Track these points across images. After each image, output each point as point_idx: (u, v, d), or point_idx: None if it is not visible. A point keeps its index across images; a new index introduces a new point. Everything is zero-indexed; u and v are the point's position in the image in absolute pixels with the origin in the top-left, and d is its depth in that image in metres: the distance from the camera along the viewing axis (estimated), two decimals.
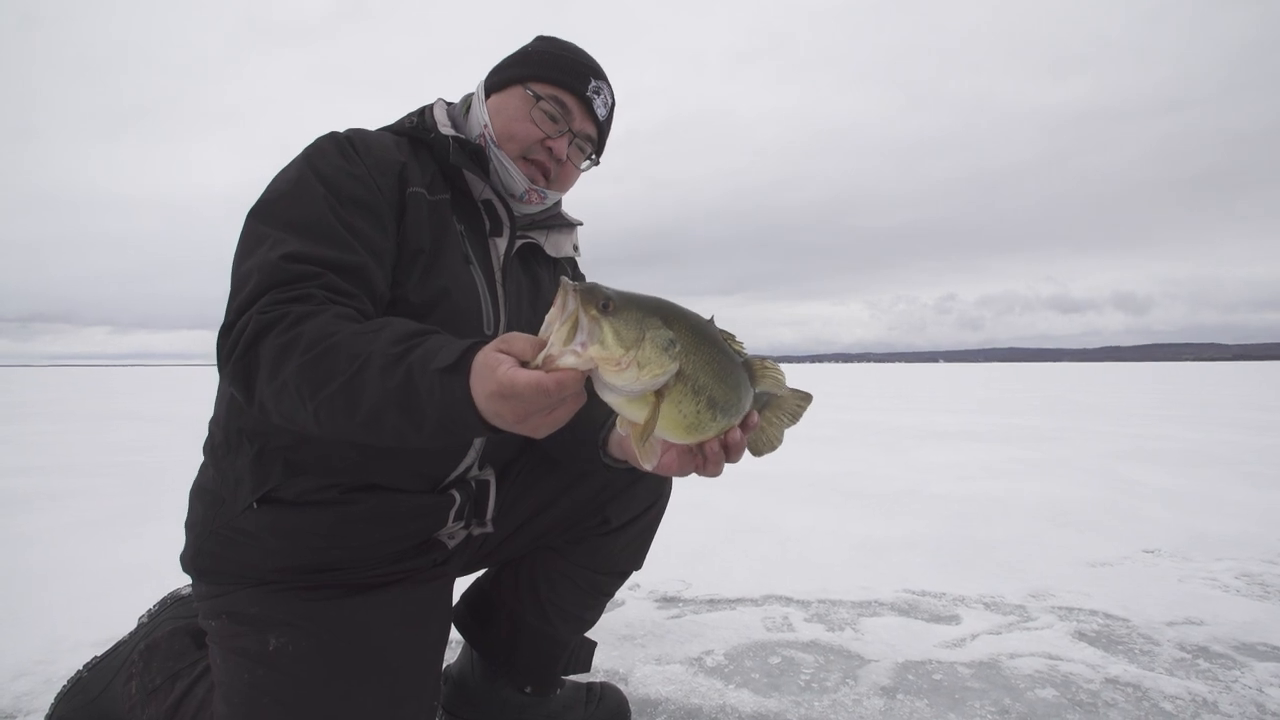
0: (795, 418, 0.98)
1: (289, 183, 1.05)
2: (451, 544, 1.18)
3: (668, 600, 2.22)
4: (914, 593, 2.28)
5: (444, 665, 1.34)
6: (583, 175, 1.30)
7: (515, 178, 1.20)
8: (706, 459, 0.89)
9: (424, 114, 1.25)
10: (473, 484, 1.18)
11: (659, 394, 0.78)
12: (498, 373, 0.74)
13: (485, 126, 1.21)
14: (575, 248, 1.39)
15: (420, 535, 1.13)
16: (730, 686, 1.65)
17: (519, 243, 1.25)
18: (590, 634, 1.51)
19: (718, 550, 2.76)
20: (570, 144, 1.23)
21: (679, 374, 0.78)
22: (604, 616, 2.03)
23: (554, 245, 1.33)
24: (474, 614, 1.44)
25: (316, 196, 1.03)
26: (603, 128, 1.28)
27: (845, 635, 1.94)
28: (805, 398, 0.98)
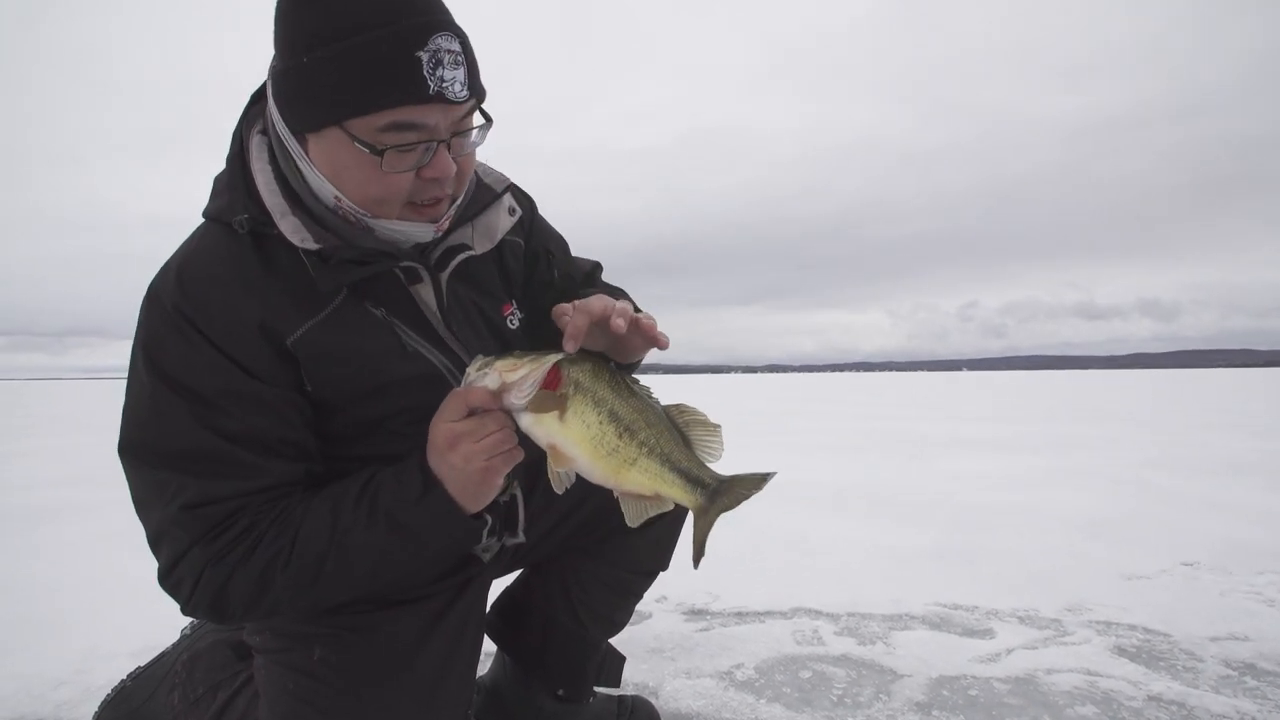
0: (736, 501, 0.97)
1: (145, 407, 0.90)
2: (486, 557, 1.19)
3: (695, 613, 2.20)
4: (946, 605, 2.25)
5: (478, 676, 1.35)
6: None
7: (412, 233, 0.97)
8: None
9: (248, 182, 0.96)
10: (502, 503, 1.20)
11: (562, 411, 0.89)
12: (437, 429, 0.91)
13: (338, 198, 0.93)
14: (511, 210, 1.15)
15: (456, 557, 1.15)
16: (762, 701, 1.63)
17: (445, 275, 1.06)
18: (619, 647, 1.51)
19: (745, 561, 2.74)
20: (449, 147, 0.92)
21: (577, 385, 0.90)
22: (632, 629, 2.03)
23: (485, 233, 1.10)
24: (506, 620, 1.45)
25: (181, 415, 0.89)
26: (472, 82, 0.90)
27: (877, 649, 1.91)
28: (758, 482, 0.96)
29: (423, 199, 0.95)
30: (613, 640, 1.48)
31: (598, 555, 1.35)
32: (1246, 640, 1.96)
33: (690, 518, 0.97)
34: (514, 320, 1.18)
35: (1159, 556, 2.78)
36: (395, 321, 1.01)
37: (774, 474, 0.96)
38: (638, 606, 1.48)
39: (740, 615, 2.17)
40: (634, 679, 1.73)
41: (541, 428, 0.90)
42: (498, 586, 1.40)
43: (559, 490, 0.92)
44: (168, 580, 0.91)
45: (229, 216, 0.94)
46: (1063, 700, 1.62)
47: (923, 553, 2.85)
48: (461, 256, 1.08)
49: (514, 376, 0.89)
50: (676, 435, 0.95)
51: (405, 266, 1.02)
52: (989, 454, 5.95)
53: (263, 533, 0.91)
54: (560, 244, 1.31)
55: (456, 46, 0.88)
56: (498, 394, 0.90)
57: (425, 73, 0.85)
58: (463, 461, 0.90)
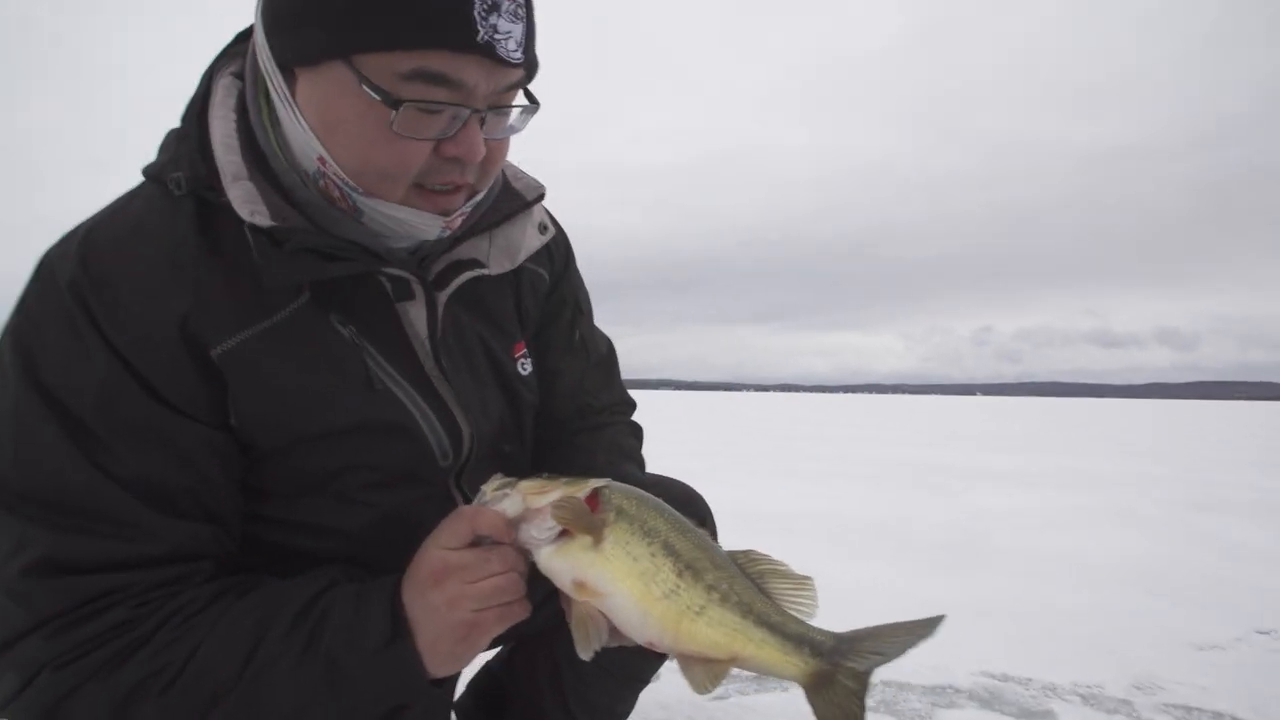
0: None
1: (3, 419, 0.66)
2: None
3: None
4: (995, 677, 1.96)
5: None
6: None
7: (415, 224, 0.73)
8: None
9: (202, 133, 0.73)
10: None
11: (599, 539, 0.68)
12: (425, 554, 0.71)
13: (322, 161, 0.70)
14: (543, 227, 0.91)
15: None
16: None
17: (446, 294, 0.82)
18: None
19: None
20: (484, 123, 0.70)
21: (620, 511, 0.70)
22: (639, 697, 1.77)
23: (505, 250, 0.86)
24: (481, 704, 1.20)
25: (49, 439, 0.65)
26: (529, 45, 0.70)
27: None
28: (915, 632, 0.73)
29: (435, 183, 0.71)
30: None
31: None
32: None
33: (804, 694, 0.70)
34: (525, 365, 0.93)
35: (1230, 621, 2.47)
36: (366, 345, 0.76)
37: (941, 618, 0.71)
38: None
39: (759, 682, 1.90)
40: None
41: (566, 558, 0.69)
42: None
43: (586, 655, 0.68)
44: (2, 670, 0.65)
45: (167, 175, 0.71)
46: None
47: (964, 608, 2.55)
48: (470, 274, 0.82)
49: (540, 501, 0.69)
50: (753, 584, 0.71)
51: (394, 276, 0.77)
52: (1017, 488, 5.62)
53: (142, 637, 0.65)
54: (588, 302, 1.08)
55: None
56: (515, 522, 0.70)
57: (476, 13, 0.64)
58: (445, 605, 0.68)
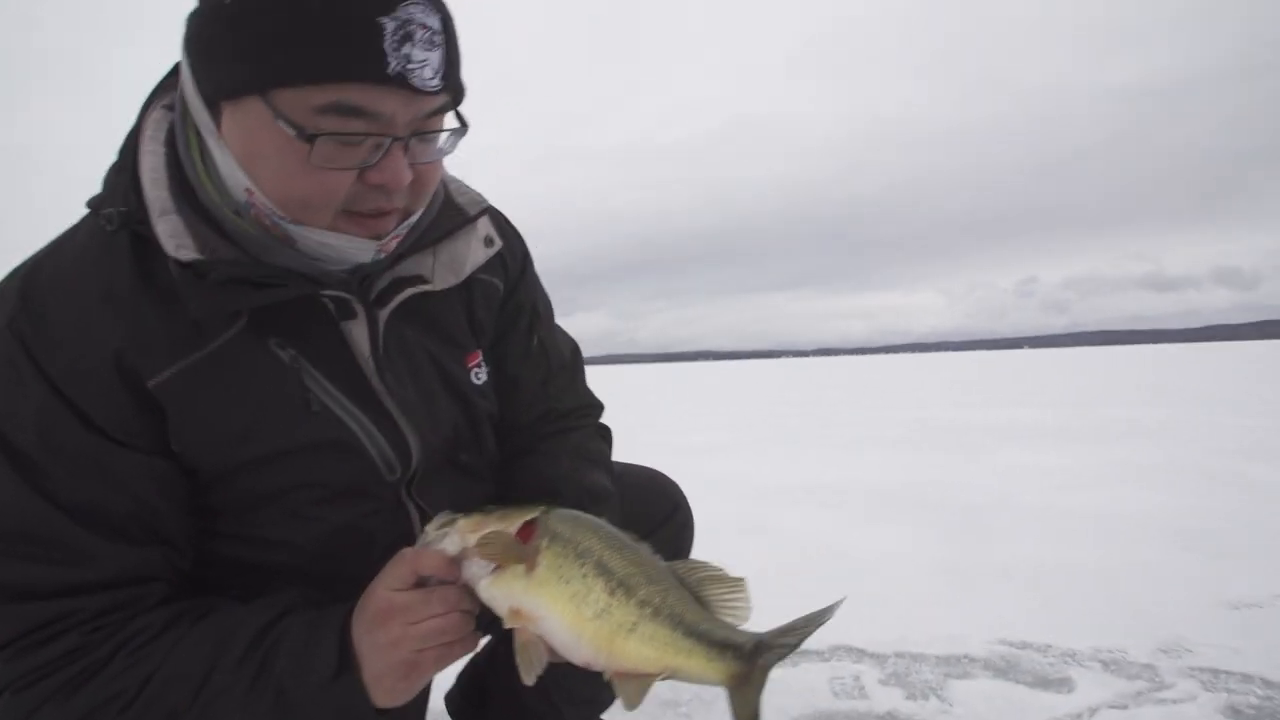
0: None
1: None
2: None
3: None
4: (1012, 645, 1.92)
5: None
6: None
7: (347, 249, 0.74)
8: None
9: (135, 167, 0.74)
10: None
11: (531, 566, 0.71)
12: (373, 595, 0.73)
13: (250, 192, 0.71)
14: (488, 240, 0.92)
15: None
16: None
17: (386, 311, 0.82)
18: (619, 705, 1.26)
19: (773, 584, 2.43)
20: (407, 149, 0.70)
21: (554, 536, 0.72)
22: None
23: (449, 265, 0.88)
24: (467, 697, 1.22)
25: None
26: (449, 72, 0.70)
27: (930, 707, 1.61)
28: (811, 623, 0.72)
29: (363, 209, 0.72)
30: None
31: None
32: None
33: (725, 692, 0.72)
34: (480, 375, 0.93)
35: (1271, 578, 2.36)
36: (306, 367, 0.77)
37: (839, 602, 0.72)
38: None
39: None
40: None
41: (502, 587, 0.71)
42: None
43: (528, 680, 0.70)
44: None
45: (102, 210, 0.73)
46: None
47: (984, 571, 2.50)
48: (411, 291, 0.84)
49: (477, 538, 0.72)
50: (688, 594, 0.73)
51: (334, 297, 0.78)
52: (1056, 445, 5.46)
53: (98, 662, 0.68)
54: (548, 306, 1.07)
55: (436, 23, 0.68)
56: (456, 561, 0.73)
57: (387, 45, 0.64)
58: (388, 644, 0.71)
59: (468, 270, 0.89)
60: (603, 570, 0.71)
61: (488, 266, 0.93)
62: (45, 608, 0.67)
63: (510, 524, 0.73)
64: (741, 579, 0.74)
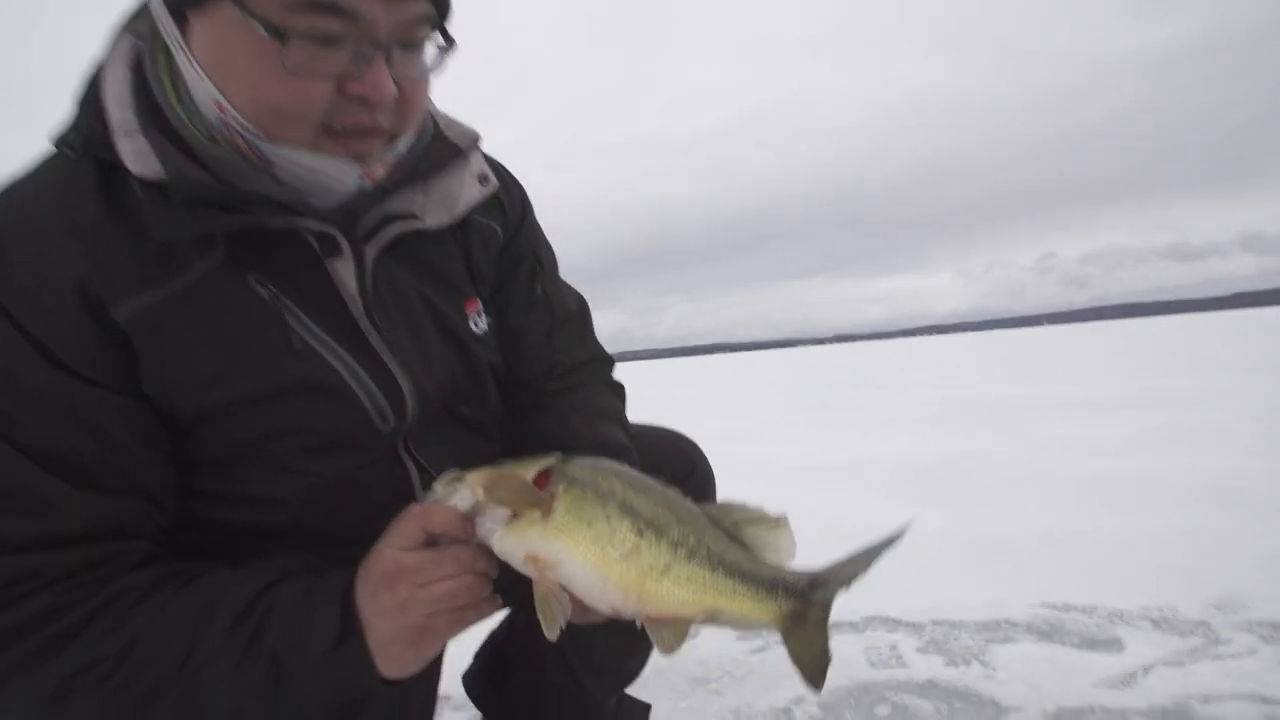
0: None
1: None
2: None
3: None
4: (1055, 608, 1.84)
5: None
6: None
7: (329, 173, 0.70)
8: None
9: (99, 93, 0.69)
10: None
11: (548, 511, 0.65)
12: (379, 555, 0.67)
13: (220, 107, 0.66)
14: (483, 178, 0.87)
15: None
16: None
17: (374, 247, 0.78)
18: (647, 679, 1.22)
19: (806, 559, 2.39)
20: (390, 60, 0.67)
21: (572, 480, 0.67)
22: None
23: (441, 202, 0.83)
24: (486, 673, 1.17)
25: None
26: None
27: (972, 672, 1.55)
28: (872, 556, 0.70)
29: (344, 125, 0.68)
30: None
31: None
32: None
33: (781, 638, 0.68)
34: (479, 323, 0.89)
35: None
36: (288, 305, 0.73)
37: (904, 529, 0.69)
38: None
39: None
40: None
41: (516, 536, 0.66)
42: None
43: (551, 634, 0.65)
44: None
45: (70, 138, 0.69)
46: None
47: (1022, 539, 2.42)
48: (402, 227, 0.79)
49: (492, 492, 0.67)
50: (723, 534, 0.69)
51: (319, 232, 0.74)
52: (1091, 415, 5.32)
53: (74, 627, 0.63)
54: (551, 256, 1.02)
55: None
56: (469, 518, 0.67)
57: None
58: (395, 608, 0.65)
59: (461, 208, 0.84)
60: (628, 510, 0.66)
61: (485, 210, 0.88)
62: (11, 563, 0.62)
63: (525, 469, 0.68)
64: (783, 517, 0.69)
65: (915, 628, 1.79)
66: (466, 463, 0.84)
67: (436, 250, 0.86)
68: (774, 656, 1.70)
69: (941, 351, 25.64)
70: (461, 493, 0.67)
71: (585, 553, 0.64)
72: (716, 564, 0.65)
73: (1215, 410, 4.96)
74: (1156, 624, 1.71)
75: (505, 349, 0.93)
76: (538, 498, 0.65)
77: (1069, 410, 5.69)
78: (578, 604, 0.66)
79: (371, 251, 0.78)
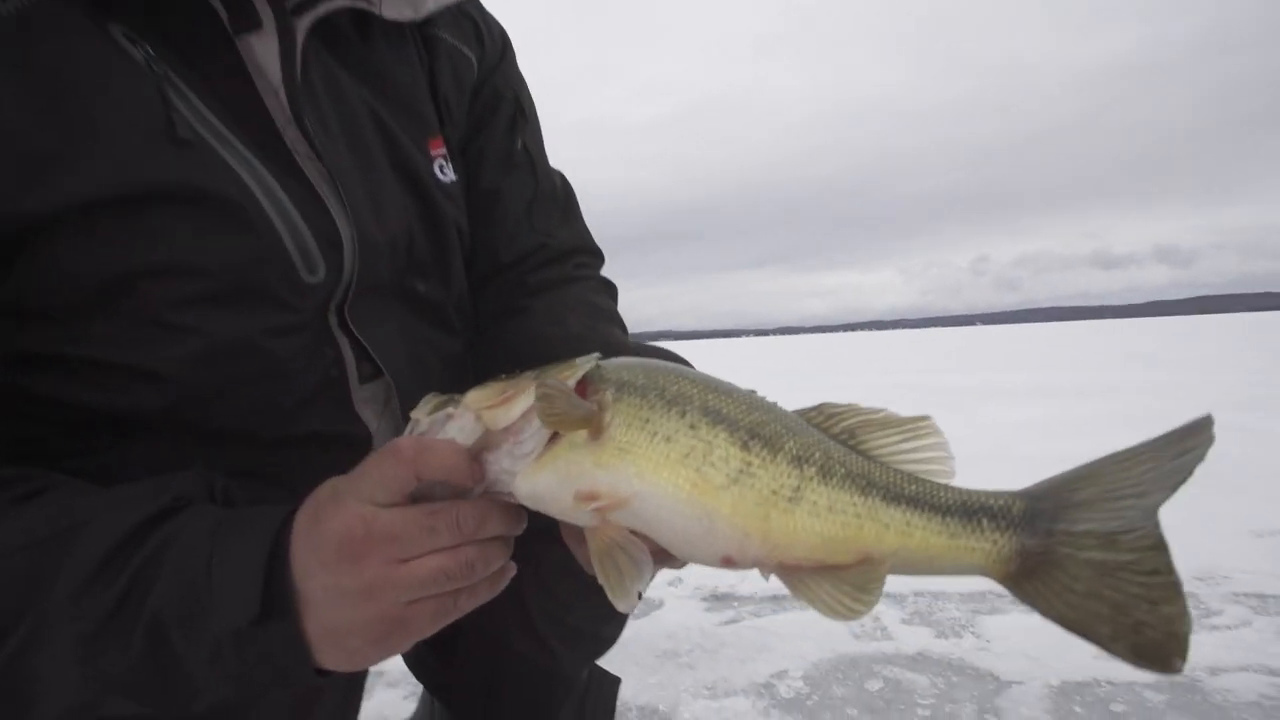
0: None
1: None
2: None
3: (719, 599, 1.73)
4: None
5: None
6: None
7: None
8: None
9: None
10: None
11: (597, 430, 0.45)
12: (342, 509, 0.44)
13: None
14: None
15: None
16: None
17: (309, 18, 0.57)
18: (616, 652, 1.04)
19: None
20: None
21: (623, 385, 0.47)
22: (636, 625, 1.57)
23: None
24: (433, 643, 0.97)
25: None
26: None
27: (965, 644, 1.44)
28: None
29: None
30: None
31: None
32: None
33: (1013, 590, 0.47)
34: (445, 169, 0.68)
35: None
36: (171, 78, 0.51)
37: (1209, 418, 0.44)
38: (646, 592, 1.00)
39: (777, 600, 1.69)
40: (637, 700, 1.26)
41: (556, 469, 0.46)
42: None
43: (626, 603, 0.45)
44: None
45: None
46: (1248, 715, 1.14)
47: None
48: (343, 3, 0.59)
49: (508, 414, 0.46)
50: (852, 450, 0.48)
51: None
52: (1036, 402, 5.41)
53: None
54: (534, 111, 0.81)
55: None
56: (478, 455, 0.47)
57: None
58: (360, 592, 0.44)
59: (429, 5, 0.64)
60: (717, 417, 0.46)
61: (458, 29, 0.70)
62: None
63: (565, 372, 0.48)
64: (926, 419, 0.49)
65: (896, 598, 1.68)
66: (423, 359, 0.62)
67: (396, 62, 0.66)
68: (746, 626, 1.56)
69: (885, 345, 26.25)
70: (461, 420, 0.46)
71: (673, 478, 0.44)
72: (868, 486, 0.46)
73: (1158, 402, 5.10)
74: None
75: (476, 216, 0.73)
76: (588, 411, 0.45)
77: (1019, 397, 5.78)
78: (660, 555, 0.47)
79: (304, 25, 0.56)
